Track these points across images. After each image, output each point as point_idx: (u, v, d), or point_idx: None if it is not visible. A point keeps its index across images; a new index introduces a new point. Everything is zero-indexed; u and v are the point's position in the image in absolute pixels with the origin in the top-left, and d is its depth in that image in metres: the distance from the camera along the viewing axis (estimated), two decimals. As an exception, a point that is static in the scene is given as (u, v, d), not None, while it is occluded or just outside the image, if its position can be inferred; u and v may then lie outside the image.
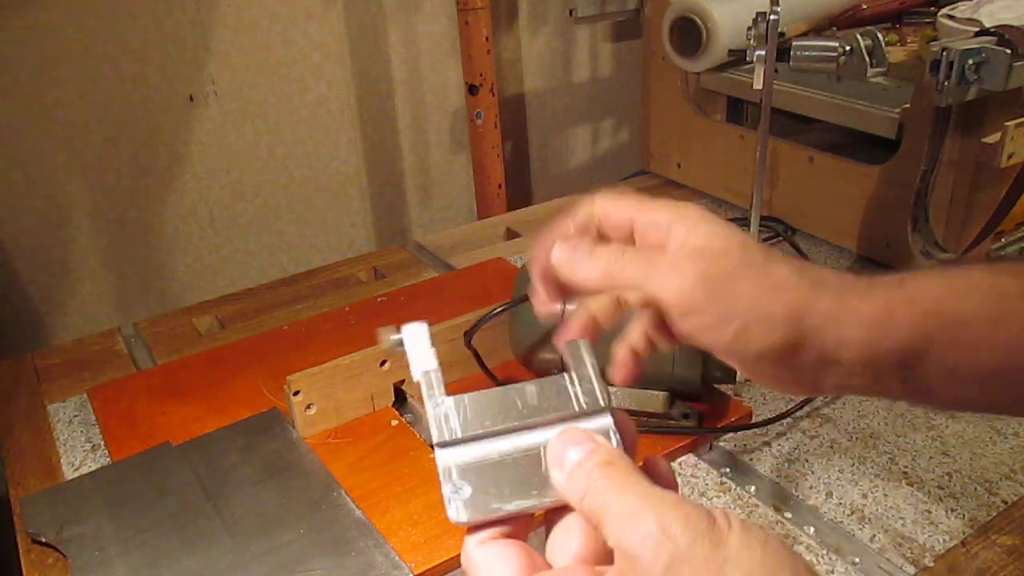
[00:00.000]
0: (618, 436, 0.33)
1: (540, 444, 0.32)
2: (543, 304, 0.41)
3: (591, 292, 0.39)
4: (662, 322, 0.39)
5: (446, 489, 0.31)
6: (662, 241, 0.37)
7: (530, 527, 0.33)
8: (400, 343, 0.36)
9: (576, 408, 0.33)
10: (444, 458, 0.32)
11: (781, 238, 1.02)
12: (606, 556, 0.31)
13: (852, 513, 0.62)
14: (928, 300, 0.36)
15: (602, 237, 0.39)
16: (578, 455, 0.31)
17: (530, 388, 0.33)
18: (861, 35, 0.75)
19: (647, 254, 0.37)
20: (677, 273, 0.36)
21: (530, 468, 0.32)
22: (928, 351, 0.36)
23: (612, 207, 0.39)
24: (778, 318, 0.35)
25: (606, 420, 0.33)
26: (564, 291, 0.40)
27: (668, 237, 0.37)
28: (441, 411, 0.32)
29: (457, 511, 0.31)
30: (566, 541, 0.32)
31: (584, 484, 0.30)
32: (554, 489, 0.31)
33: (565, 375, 0.34)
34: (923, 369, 0.36)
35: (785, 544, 0.29)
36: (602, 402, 0.33)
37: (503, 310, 0.70)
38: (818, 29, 1.10)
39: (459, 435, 0.32)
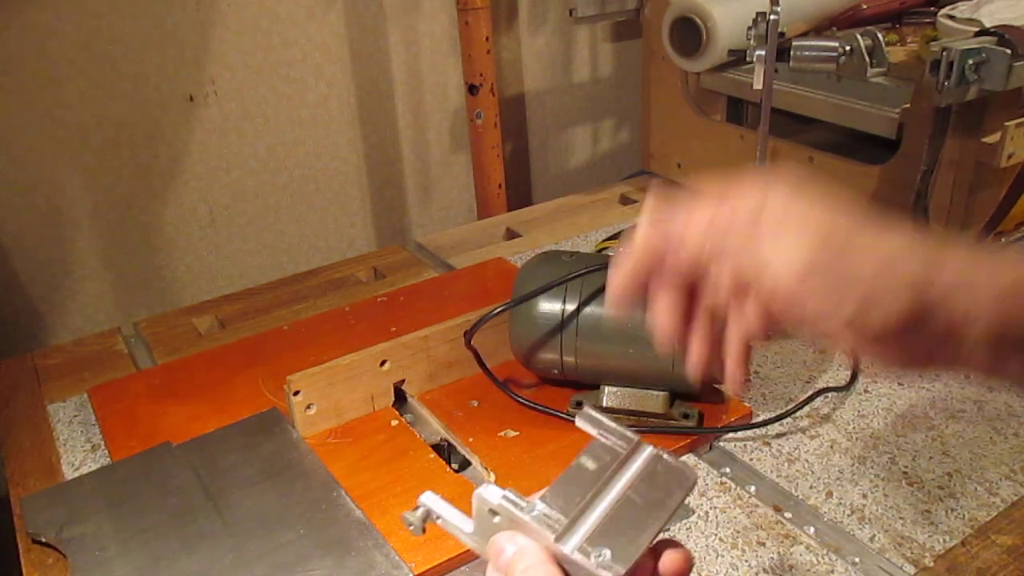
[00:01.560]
0: (667, 453, 0.38)
1: (622, 490, 0.37)
2: (621, 302, 0.38)
3: (691, 266, 0.36)
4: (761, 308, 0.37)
5: (590, 564, 0.34)
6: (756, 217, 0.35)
7: None
8: (428, 513, 0.39)
9: (623, 452, 0.38)
10: (571, 545, 0.35)
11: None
12: None
13: (852, 513, 0.62)
14: None
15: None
16: (509, 552, 0.35)
17: (584, 459, 0.38)
18: (861, 35, 0.75)
19: (751, 220, 0.34)
20: (792, 236, 0.33)
21: (629, 508, 0.36)
22: None
23: (692, 200, 0.37)
24: (904, 284, 0.33)
25: (649, 448, 0.38)
26: (645, 287, 0.38)
27: (764, 207, 0.35)
28: (538, 513, 0.36)
29: (623, 564, 0.34)
30: None
31: None
32: (661, 511, 0.36)
33: (597, 438, 0.39)
34: None
35: None
36: (634, 437, 0.38)
37: (503, 310, 0.70)
38: (818, 29, 1.10)
39: (564, 522, 0.35)
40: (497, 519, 0.36)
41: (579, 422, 0.40)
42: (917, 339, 0.34)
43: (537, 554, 0.34)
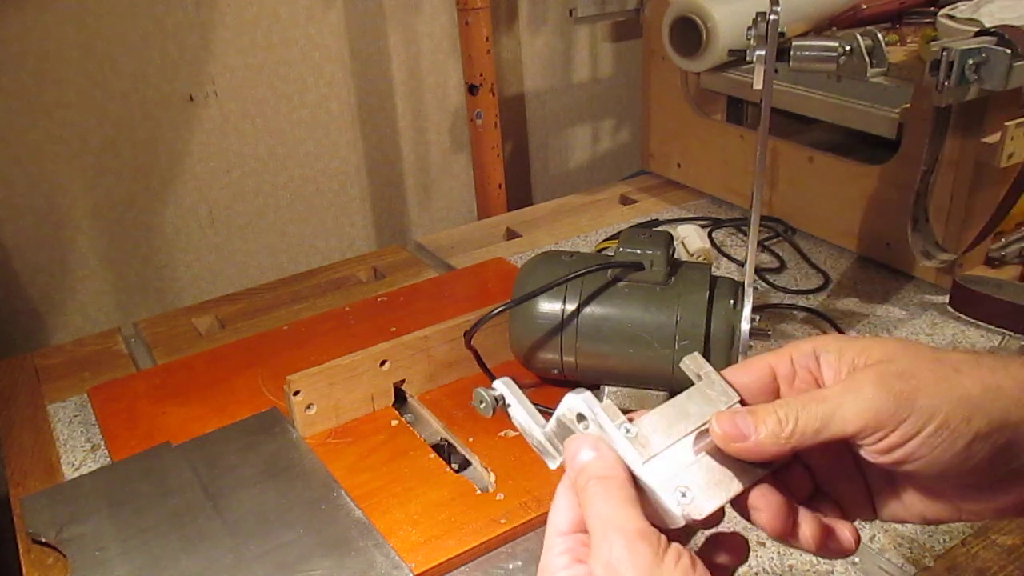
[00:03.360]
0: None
1: (713, 442, 0.36)
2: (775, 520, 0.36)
3: (774, 459, 0.35)
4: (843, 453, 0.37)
5: (671, 499, 0.34)
6: (812, 380, 0.36)
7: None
8: (502, 399, 0.39)
9: (721, 406, 0.37)
10: (658, 476, 0.35)
11: (781, 238, 1.02)
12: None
13: (852, 513, 0.62)
14: None
15: None
16: (587, 457, 0.34)
17: (683, 400, 0.37)
18: (861, 35, 0.75)
19: (810, 394, 0.35)
20: (859, 398, 0.33)
21: (719, 461, 0.35)
22: None
23: (741, 372, 0.38)
24: (976, 398, 0.32)
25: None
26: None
27: (819, 367, 0.36)
28: (633, 434, 0.35)
29: (699, 511, 0.34)
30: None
31: (582, 489, 0.34)
32: (747, 474, 0.35)
33: (700, 384, 0.38)
34: None
35: None
36: (735, 397, 0.37)
37: (503, 310, 0.70)
38: (818, 29, 1.10)
39: (655, 451, 0.35)
40: (582, 426, 0.36)
41: (684, 365, 0.39)
42: (1005, 459, 0.33)
43: (618, 468, 0.34)
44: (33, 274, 1.07)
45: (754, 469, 0.35)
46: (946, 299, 0.86)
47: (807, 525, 0.36)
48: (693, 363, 0.39)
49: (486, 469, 0.66)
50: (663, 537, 0.32)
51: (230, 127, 1.15)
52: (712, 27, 0.99)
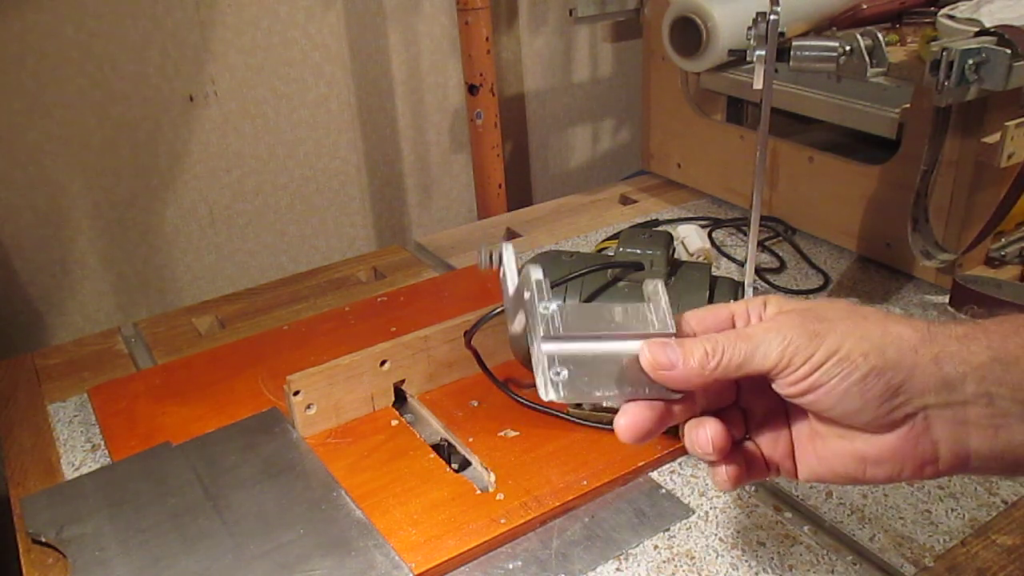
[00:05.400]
0: None
1: (624, 351, 0.39)
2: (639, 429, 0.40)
3: (695, 388, 0.40)
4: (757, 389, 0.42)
5: (546, 374, 0.38)
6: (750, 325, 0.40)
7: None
8: (499, 259, 0.43)
9: (651, 329, 0.40)
10: (548, 348, 0.39)
11: (781, 238, 1.02)
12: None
13: (852, 513, 0.62)
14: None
15: None
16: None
17: (618, 309, 0.41)
18: (861, 35, 0.75)
19: (738, 331, 0.39)
20: (777, 333, 0.37)
21: (615, 367, 0.39)
22: None
23: (702, 310, 0.42)
24: (876, 340, 0.36)
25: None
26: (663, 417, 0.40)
27: (757, 314, 0.40)
28: (548, 311, 0.40)
29: (557, 391, 0.38)
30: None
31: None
32: (633, 388, 0.39)
33: (644, 304, 0.41)
34: None
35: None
36: (671, 328, 0.40)
37: (503, 310, 0.70)
38: (818, 29, 1.10)
39: (561, 333, 0.39)
40: (526, 295, 0.41)
41: (644, 286, 0.42)
42: (904, 400, 0.36)
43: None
44: (33, 274, 1.07)
45: (626, 390, 0.39)
46: (946, 299, 0.86)
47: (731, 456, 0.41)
48: (652, 288, 0.42)
49: (486, 469, 0.66)
50: None
51: (230, 127, 1.15)
52: (712, 27, 0.99)
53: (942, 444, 0.37)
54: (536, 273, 0.42)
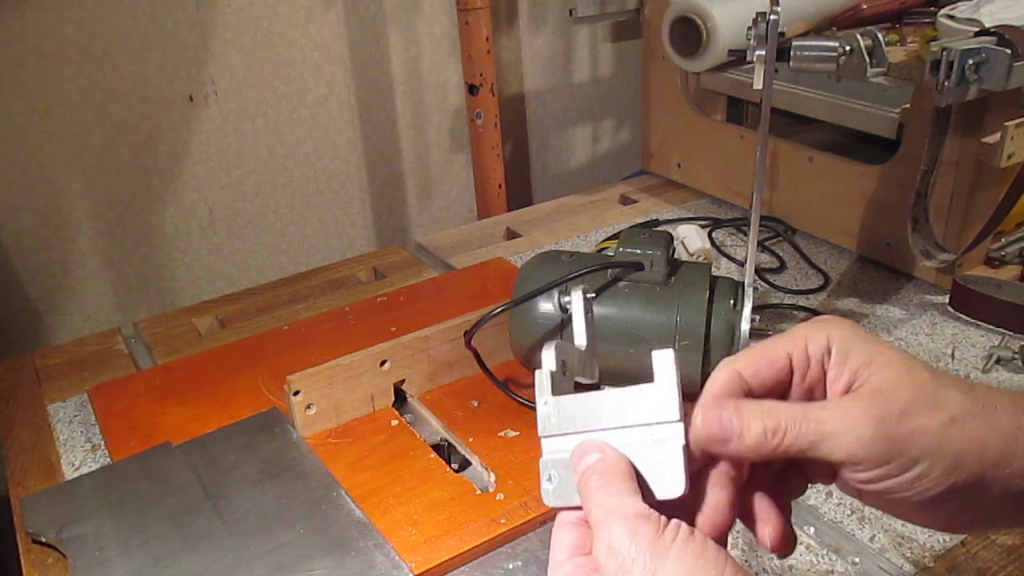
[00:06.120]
0: (685, 441, 0.35)
1: (624, 446, 0.36)
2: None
3: (754, 461, 0.36)
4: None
5: (542, 478, 0.37)
6: (822, 373, 0.36)
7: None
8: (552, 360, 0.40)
9: (654, 418, 0.36)
10: (545, 449, 0.37)
11: (781, 238, 1.02)
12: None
13: (852, 513, 0.62)
14: None
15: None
16: (592, 459, 0.35)
17: (617, 395, 0.36)
18: (861, 35, 0.75)
19: (806, 411, 0.34)
20: (849, 426, 0.34)
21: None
22: None
23: (756, 355, 0.37)
24: (960, 455, 0.34)
25: (678, 428, 0.35)
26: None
27: (829, 362, 0.36)
28: (547, 409, 0.37)
29: (547, 499, 0.37)
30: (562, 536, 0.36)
31: (584, 485, 0.35)
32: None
33: (650, 385, 0.36)
34: None
35: (722, 553, 0.32)
36: (677, 415, 0.35)
37: (503, 310, 0.70)
38: (818, 29, 1.10)
39: (557, 431, 0.37)
40: (536, 379, 0.39)
41: (652, 356, 0.37)
42: (978, 500, 0.35)
43: (621, 464, 0.35)
44: (33, 274, 1.07)
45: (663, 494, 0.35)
46: (946, 299, 0.86)
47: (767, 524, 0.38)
48: (661, 361, 0.36)
49: (486, 469, 0.66)
50: (663, 517, 0.32)
51: (230, 127, 1.15)
52: (712, 27, 0.99)
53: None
54: (548, 361, 0.39)
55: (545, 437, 0.38)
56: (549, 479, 0.37)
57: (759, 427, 0.34)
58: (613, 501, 0.33)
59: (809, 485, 0.39)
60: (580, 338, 0.40)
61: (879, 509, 0.38)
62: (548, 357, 0.39)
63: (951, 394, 0.34)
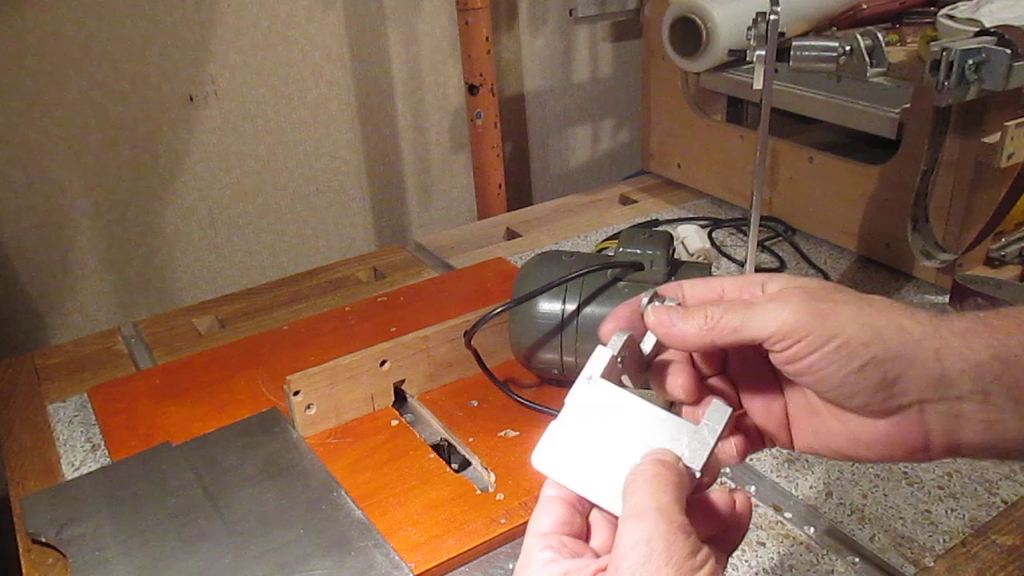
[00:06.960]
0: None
1: (628, 459, 0.35)
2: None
3: (689, 349, 0.40)
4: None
5: (543, 440, 0.36)
6: (754, 296, 0.39)
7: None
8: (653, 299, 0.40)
9: (680, 454, 0.35)
10: (561, 417, 0.37)
11: (781, 238, 1.02)
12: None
13: (852, 513, 0.62)
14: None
15: None
16: (660, 455, 0.35)
17: (655, 413, 0.37)
18: (861, 35, 0.75)
19: (744, 301, 0.38)
20: (780, 306, 0.37)
21: (607, 469, 0.36)
22: None
23: (698, 284, 0.41)
24: (879, 329, 0.36)
25: (693, 478, 0.36)
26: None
27: (763, 290, 0.39)
28: (586, 387, 0.37)
29: (539, 458, 0.36)
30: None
31: (642, 472, 0.34)
32: (613, 501, 0.35)
33: (691, 425, 0.36)
34: None
35: None
36: (699, 468, 0.35)
37: (503, 310, 0.70)
38: (818, 29, 1.10)
39: (582, 409, 0.37)
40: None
41: (709, 404, 0.38)
42: (900, 391, 0.36)
43: (678, 466, 0.35)
44: (33, 274, 1.07)
45: (604, 498, 0.35)
46: (946, 299, 0.86)
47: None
48: (714, 412, 0.36)
49: (486, 469, 0.66)
50: (699, 542, 0.33)
51: (230, 127, 1.15)
52: (712, 27, 0.99)
53: (934, 434, 0.37)
54: (615, 345, 0.38)
55: (569, 408, 0.37)
56: (552, 443, 0.36)
57: (701, 313, 0.38)
58: (666, 500, 0.33)
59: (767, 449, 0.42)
60: (648, 344, 0.40)
61: (815, 401, 0.40)
62: (617, 342, 0.38)
63: (874, 296, 0.38)
